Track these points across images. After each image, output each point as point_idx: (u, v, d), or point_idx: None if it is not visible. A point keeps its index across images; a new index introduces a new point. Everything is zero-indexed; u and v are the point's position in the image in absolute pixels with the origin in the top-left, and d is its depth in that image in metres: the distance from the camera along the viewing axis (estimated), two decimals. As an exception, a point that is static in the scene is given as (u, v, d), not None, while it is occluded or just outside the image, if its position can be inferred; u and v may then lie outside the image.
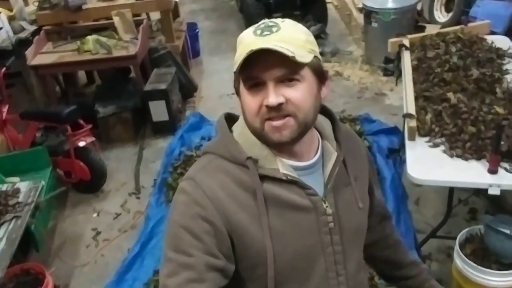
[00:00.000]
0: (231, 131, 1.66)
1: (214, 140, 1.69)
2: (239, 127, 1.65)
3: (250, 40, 1.48)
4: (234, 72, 1.51)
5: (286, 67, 1.46)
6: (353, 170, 1.73)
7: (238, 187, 1.56)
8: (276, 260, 1.55)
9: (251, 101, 1.50)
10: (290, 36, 1.48)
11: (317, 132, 1.69)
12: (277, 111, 1.48)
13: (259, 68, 1.46)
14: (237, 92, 1.59)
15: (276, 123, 1.49)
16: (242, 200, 1.55)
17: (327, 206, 1.62)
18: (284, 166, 1.58)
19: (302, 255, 1.61)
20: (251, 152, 1.58)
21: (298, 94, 1.49)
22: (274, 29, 1.49)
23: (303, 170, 1.62)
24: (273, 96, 1.46)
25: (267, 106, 1.47)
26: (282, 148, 1.58)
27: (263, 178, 1.56)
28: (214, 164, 1.61)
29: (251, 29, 1.53)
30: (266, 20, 1.54)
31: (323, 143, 1.68)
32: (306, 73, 1.51)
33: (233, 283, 1.58)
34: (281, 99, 1.46)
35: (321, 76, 1.57)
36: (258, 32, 1.49)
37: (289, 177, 1.57)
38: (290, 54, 1.42)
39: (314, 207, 1.61)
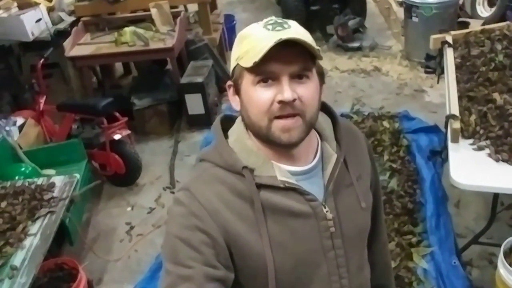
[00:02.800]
0: (227, 136, 1.63)
1: (209, 147, 1.65)
2: (235, 132, 1.63)
3: (263, 34, 1.46)
4: (234, 68, 1.52)
5: (301, 62, 1.46)
6: (355, 169, 1.68)
7: (235, 196, 1.53)
8: (277, 269, 1.53)
9: (262, 96, 1.47)
10: (302, 32, 1.48)
11: (317, 134, 1.65)
12: (290, 107, 1.45)
13: (276, 62, 1.43)
14: (236, 90, 1.55)
15: (286, 122, 1.47)
16: (240, 210, 1.53)
17: (327, 211, 1.58)
18: (282, 172, 1.55)
19: (303, 261, 1.58)
20: (247, 160, 1.55)
21: (308, 91, 1.48)
22: (285, 25, 1.47)
23: (301, 175, 1.58)
24: (289, 90, 1.43)
25: (281, 102, 1.44)
26: (281, 152, 1.55)
27: (261, 186, 1.53)
28: (210, 173, 1.58)
29: (258, 24, 1.51)
30: (273, 17, 1.52)
31: (322, 145, 1.65)
32: (313, 71, 1.51)
33: None
34: (295, 95, 1.45)
35: (322, 77, 1.56)
36: (269, 27, 1.47)
37: (287, 184, 1.54)
38: (316, 47, 1.44)
39: (314, 212, 1.57)
